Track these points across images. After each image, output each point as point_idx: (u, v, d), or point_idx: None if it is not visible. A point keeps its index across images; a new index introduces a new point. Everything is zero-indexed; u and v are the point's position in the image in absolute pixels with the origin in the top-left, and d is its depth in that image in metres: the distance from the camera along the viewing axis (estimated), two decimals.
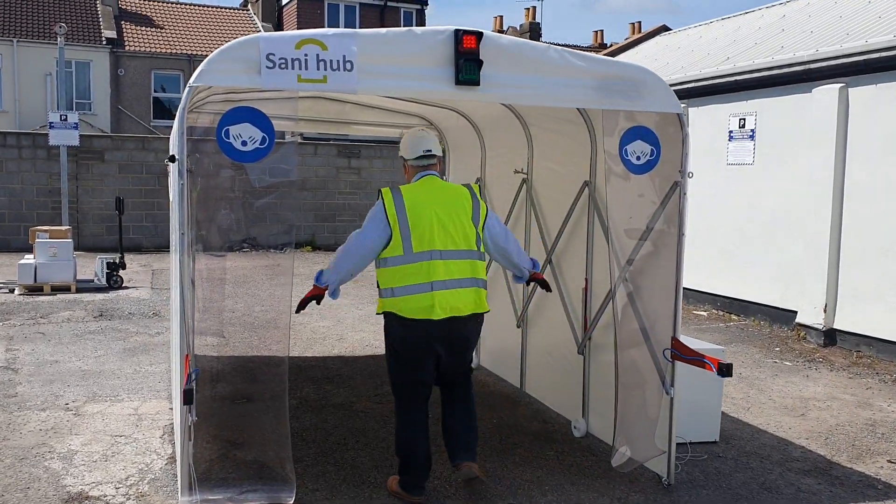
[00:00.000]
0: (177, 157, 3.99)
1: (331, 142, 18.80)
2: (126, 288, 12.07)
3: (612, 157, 4.68)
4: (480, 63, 4.11)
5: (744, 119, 10.72)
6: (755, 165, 10.57)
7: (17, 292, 11.32)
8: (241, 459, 5.07)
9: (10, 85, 26.56)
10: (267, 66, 3.89)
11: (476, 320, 4.39)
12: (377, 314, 4.40)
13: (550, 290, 5.15)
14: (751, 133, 10.61)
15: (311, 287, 4.40)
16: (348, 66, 4.00)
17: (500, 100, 4.59)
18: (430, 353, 4.31)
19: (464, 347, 4.45)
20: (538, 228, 6.31)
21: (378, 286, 4.37)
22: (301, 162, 17.72)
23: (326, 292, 4.39)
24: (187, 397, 3.70)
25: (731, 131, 10.96)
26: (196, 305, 6.35)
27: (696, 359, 4.63)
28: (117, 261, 12.06)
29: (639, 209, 4.89)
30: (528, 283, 5.02)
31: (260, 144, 3.97)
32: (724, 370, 4.43)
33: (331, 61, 3.98)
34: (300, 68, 3.93)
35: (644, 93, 4.53)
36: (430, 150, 4.52)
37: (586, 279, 5.64)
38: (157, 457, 5.11)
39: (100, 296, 11.34)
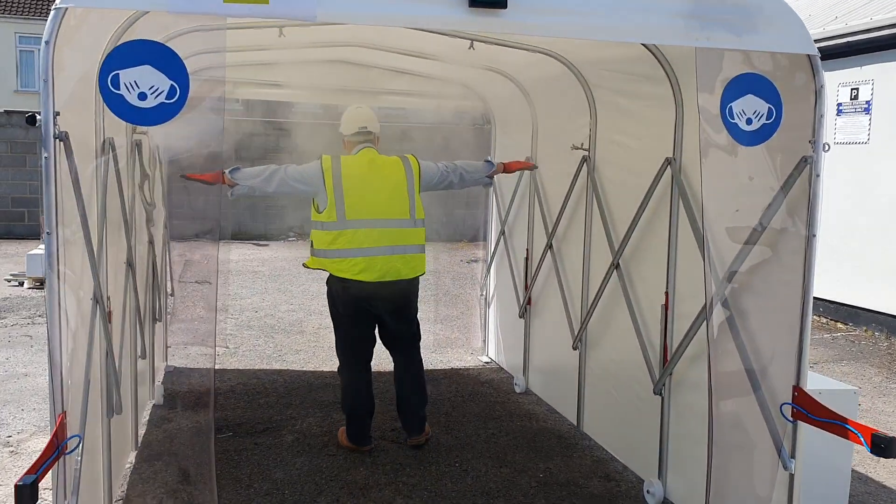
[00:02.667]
0: (40, 117, 2.62)
1: None
2: None
3: (710, 119, 3.16)
4: None
5: (857, 89, 8.95)
6: (870, 144, 8.79)
7: (26, 285, 10.35)
8: None
9: None
10: None
11: (409, 284, 4.68)
12: (305, 267, 4.79)
13: (536, 167, 5.64)
14: (865, 106, 8.83)
15: (216, 174, 4.36)
16: None
17: (536, 31, 3.13)
18: (365, 312, 4.64)
19: (400, 309, 4.72)
20: (601, 220, 4.82)
21: (311, 245, 4.67)
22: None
23: (229, 188, 4.42)
24: (23, 497, 2.30)
25: (839, 104, 9.19)
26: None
27: (834, 423, 3.11)
28: None
29: (749, 197, 3.36)
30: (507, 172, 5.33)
31: (167, 98, 2.62)
32: (883, 446, 2.90)
33: None
34: None
35: (759, 24, 3.02)
36: (365, 127, 4.73)
37: (666, 294, 4.14)
38: None
39: None
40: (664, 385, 4.16)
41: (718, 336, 3.44)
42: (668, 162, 4.08)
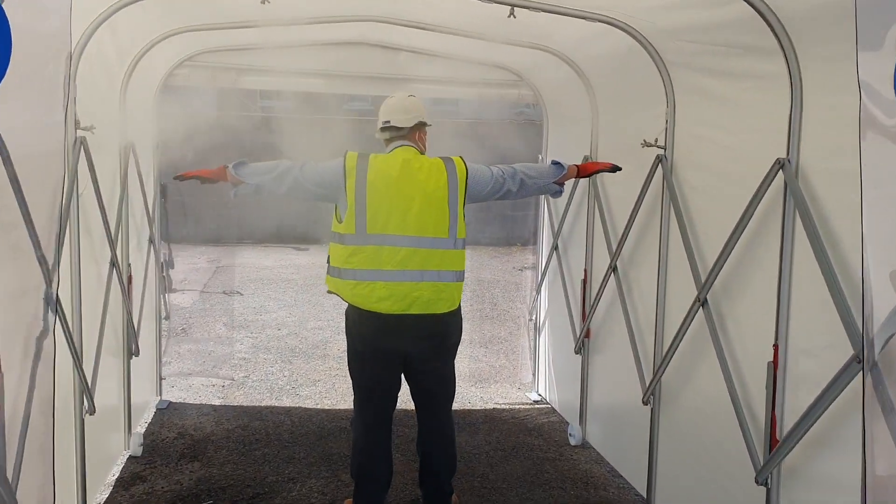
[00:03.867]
0: None
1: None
2: (174, 291, 10.15)
3: (872, 94, 2.00)
4: None
5: None
6: None
7: None
8: None
9: None
10: None
11: (443, 321, 3.61)
12: (328, 292, 3.70)
13: (619, 168, 4.02)
14: None
15: (219, 169, 3.55)
16: None
17: None
18: (385, 354, 3.61)
19: (431, 354, 3.65)
20: (682, 239, 3.68)
21: (328, 260, 3.67)
22: None
23: (232, 186, 3.54)
24: None
25: None
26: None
27: None
28: (166, 258, 10.16)
29: None
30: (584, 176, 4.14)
31: None
32: None
33: None
34: None
35: None
36: (388, 122, 3.69)
37: (776, 347, 2.98)
38: None
39: None
40: (771, 475, 3.00)
41: (869, 409, 2.29)
42: (779, 164, 2.93)
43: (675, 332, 3.68)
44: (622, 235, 4.34)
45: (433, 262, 3.55)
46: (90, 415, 3.65)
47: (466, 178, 3.62)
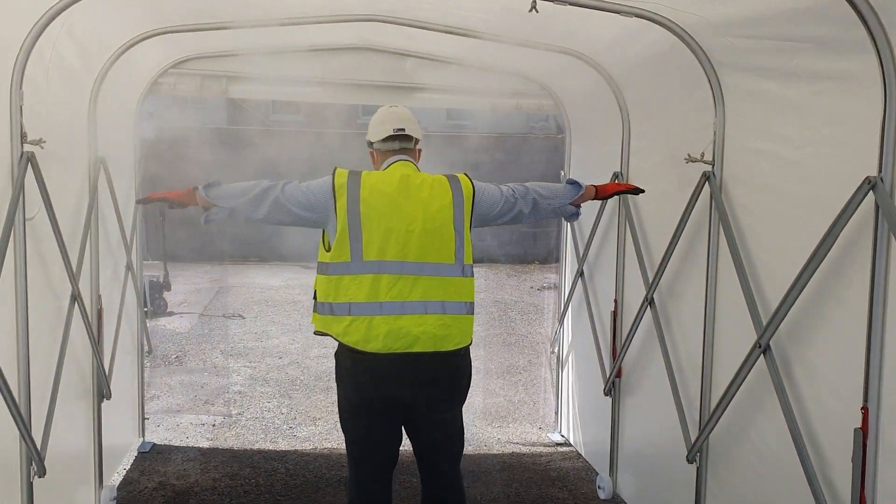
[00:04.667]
0: None
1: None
2: (170, 314, 9.66)
3: None
4: None
5: None
6: None
7: None
8: None
9: None
10: None
11: (450, 361, 3.02)
12: (315, 333, 3.09)
13: (642, 191, 3.61)
14: None
15: (187, 192, 3.06)
16: None
17: None
18: (384, 401, 3.00)
19: (435, 400, 3.04)
20: (736, 270, 3.11)
21: (314, 297, 3.09)
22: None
23: (203, 210, 3.03)
24: None
25: None
26: None
27: None
28: (161, 280, 9.69)
29: None
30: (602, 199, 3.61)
31: None
32: None
33: None
34: None
35: None
36: (402, 129, 3.19)
37: (865, 409, 2.41)
38: None
39: None
40: None
41: None
42: (869, 184, 2.36)
43: (726, 378, 3.11)
44: (660, 263, 3.78)
45: (438, 293, 3.03)
46: (39, 477, 3.11)
47: (473, 196, 3.12)
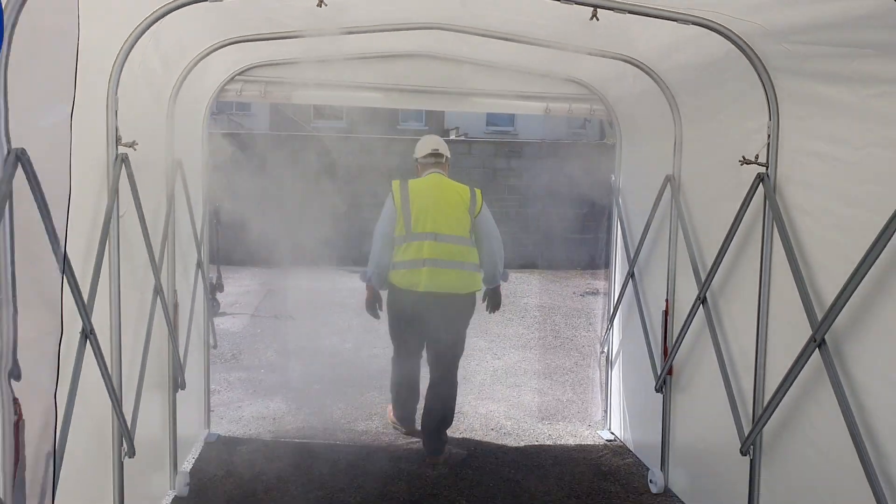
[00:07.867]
0: None
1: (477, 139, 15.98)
2: (223, 314, 9.93)
3: None
4: None
5: None
6: None
7: None
8: None
9: None
10: None
11: (459, 300, 4.87)
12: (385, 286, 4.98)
13: (496, 308, 5.31)
14: None
15: (368, 287, 5.07)
16: None
17: None
18: (412, 320, 4.90)
19: (444, 323, 4.86)
20: (792, 269, 3.22)
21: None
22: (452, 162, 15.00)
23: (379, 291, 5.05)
24: None
25: None
26: None
27: None
28: (215, 281, 9.95)
29: None
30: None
31: None
32: None
33: None
34: None
35: None
36: (437, 149, 5.07)
37: None
38: None
39: None
40: None
41: None
42: None
43: (779, 373, 3.22)
44: (713, 263, 3.89)
45: (458, 255, 4.81)
46: (129, 457, 3.33)
47: (480, 211, 4.90)
